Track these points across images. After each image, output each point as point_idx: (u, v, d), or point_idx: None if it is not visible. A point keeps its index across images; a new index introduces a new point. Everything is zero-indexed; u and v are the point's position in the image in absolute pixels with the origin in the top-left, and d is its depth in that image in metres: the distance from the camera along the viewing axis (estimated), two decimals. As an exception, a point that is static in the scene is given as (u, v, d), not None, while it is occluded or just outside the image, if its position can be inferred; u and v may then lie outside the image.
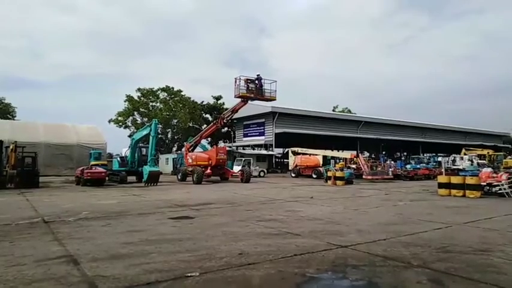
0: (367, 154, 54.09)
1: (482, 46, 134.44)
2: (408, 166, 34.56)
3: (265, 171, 35.67)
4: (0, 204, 12.15)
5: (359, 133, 50.90)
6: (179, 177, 25.91)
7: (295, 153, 34.85)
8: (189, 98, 52.33)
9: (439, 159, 41.37)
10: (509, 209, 11.44)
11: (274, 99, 26.74)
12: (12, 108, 55.05)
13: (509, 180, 15.39)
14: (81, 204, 11.98)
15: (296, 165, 33.68)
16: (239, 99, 25.83)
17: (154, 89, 50.61)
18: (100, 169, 21.88)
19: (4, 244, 6.09)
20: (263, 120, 45.55)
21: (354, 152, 38.10)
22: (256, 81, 25.17)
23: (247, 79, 24.99)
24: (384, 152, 51.26)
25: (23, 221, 8.50)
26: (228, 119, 28.82)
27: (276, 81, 25.80)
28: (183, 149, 30.35)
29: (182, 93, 51.78)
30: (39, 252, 5.50)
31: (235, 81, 24.81)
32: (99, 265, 4.84)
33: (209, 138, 42.16)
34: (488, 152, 39.02)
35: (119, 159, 26.03)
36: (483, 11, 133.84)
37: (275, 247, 5.93)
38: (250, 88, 24.94)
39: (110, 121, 50.31)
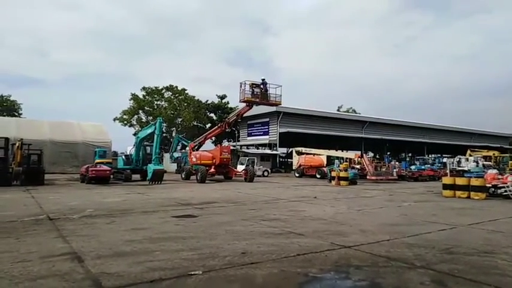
0: (371, 154, 53.91)
1: (489, 45, 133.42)
2: (413, 167, 34.36)
3: (269, 170, 35.65)
4: (6, 201, 12.27)
5: (364, 133, 50.70)
6: (183, 176, 25.99)
7: (299, 153, 34.79)
8: (194, 97, 52.49)
9: (444, 160, 41.11)
10: (515, 211, 11.35)
11: (280, 104, 26.82)
12: (18, 106, 55.53)
13: (514, 182, 15.26)
14: (86, 201, 12.07)
15: (300, 165, 33.62)
16: (243, 103, 25.85)
17: (159, 88, 50.81)
18: (105, 167, 22.00)
19: (10, 240, 6.16)
20: (267, 119, 45.53)
21: (359, 152, 37.95)
22: (262, 86, 25.17)
23: (253, 84, 24.97)
24: (388, 153, 51.07)
25: (29, 217, 8.58)
26: (232, 123, 28.84)
27: (281, 85, 25.84)
28: (187, 148, 30.48)
29: (186, 92, 51.97)
30: (44, 249, 5.56)
31: (241, 86, 24.79)
32: (103, 262, 4.88)
33: (213, 138, 42.26)
34: (493, 154, 38.74)
35: (123, 157, 26.14)
36: (490, 10, 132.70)
37: (278, 247, 5.94)
38: (255, 93, 24.93)
39: (115, 119, 50.64)
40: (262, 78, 25.48)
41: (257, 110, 40.40)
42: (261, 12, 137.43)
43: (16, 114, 52.38)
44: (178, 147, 39.29)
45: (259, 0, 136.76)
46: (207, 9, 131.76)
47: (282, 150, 49.41)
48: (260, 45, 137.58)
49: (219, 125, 29.46)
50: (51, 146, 30.80)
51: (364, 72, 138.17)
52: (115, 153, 33.24)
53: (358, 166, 29.84)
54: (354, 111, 71.51)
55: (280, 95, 25.82)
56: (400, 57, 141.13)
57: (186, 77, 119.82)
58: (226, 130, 30.78)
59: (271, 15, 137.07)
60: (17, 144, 20.03)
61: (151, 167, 21.16)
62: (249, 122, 49.00)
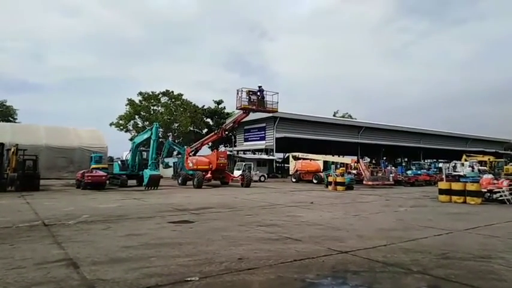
0: (367, 160, 54.02)
1: (484, 52, 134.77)
2: (409, 172, 34.48)
3: (266, 176, 35.62)
4: (0, 207, 12.16)
5: (360, 138, 50.88)
6: (179, 182, 25.92)
7: (295, 158, 34.82)
8: (190, 102, 52.47)
9: (440, 165, 41.29)
10: (510, 215, 11.41)
11: (276, 111, 27.01)
12: (14, 111, 55.23)
13: (510, 187, 15.34)
14: (82, 207, 11.99)
15: (297, 170, 33.64)
16: (240, 109, 25.97)
17: (155, 93, 50.78)
18: (101, 172, 21.88)
19: (4, 247, 6.10)
20: (264, 124, 45.57)
21: (355, 158, 38.09)
22: (258, 93, 25.31)
23: (249, 91, 25.12)
24: (384, 158, 51.16)
25: (23, 224, 8.51)
26: (229, 130, 28.97)
27: (277, 92, 26.00)
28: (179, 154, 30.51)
29: (183, 97, 51.99)
30: (39, 255, 5.51)
31: (237, 93, 24.95)
32: (98, 269, 4.85)
33: (209, 143, 42.26)
34: (489, 159, 39.01)
35: (119, 162, 26.06)
36: (484, 17, 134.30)
37: (275, 252, 5.92)
38: (252, 100, 25.07)
39: (111, 124, 50.43)
40: (259, 85, 25.71)
41: (254, 115, 40.36)
42: (259, 17, 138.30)
43: (11, 119, 52.07)
44: (174, 153, 39.14)
45: (257, 5, 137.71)
46: (204, 14, 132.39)
47: (278, 156, 49.42)
48: (258, 50, 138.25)
49: (215, 131, 29.57)
50: (46, 152, 30.59)
51: (362, 77, 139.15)
52: (111, 159, 33.15)
53: (354, 171, 29.92)
54: (350, 116, 71.79)
55: (277, 102, 26.04)
56: (396, 62, 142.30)
57: (183, 81, 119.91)
58: (223, 137, 30.89)
59: (269, 20, 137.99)
60: (12, 150, 19.90)
61: (147, 173, 21.10)
62: (245, 127, 49.00)
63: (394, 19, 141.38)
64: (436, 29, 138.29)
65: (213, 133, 30.09)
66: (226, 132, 29.02)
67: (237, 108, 26.09)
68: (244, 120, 41.83)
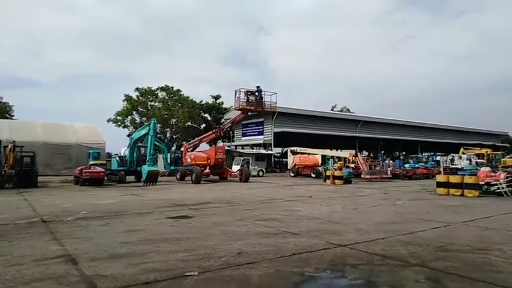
0: (365, 153, 54.10)
1: (481, 45, 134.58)
2: (407, 165, 34.57)
3: (264, 170, 35.65)
4: (-2, 204, 12.13)
5: (358, 132, 50.90)
6: (178, 177, 25.93)
7: (294, 153, 34.84)
8: (188, 97, 52.27)
9: (438, 158, 41.42)
10: (507, 208, 11.47)
11: (275, 111, 26.82)
12: (10, 107, 54.95)
13: (507, 180, 15.42)
14: (80, 203, 11.97)
15: (295, 165, 33.67)
16: (238, 110, 25.95)
17: (153, 89, 50.58)
18: (99, 169, 21.86)
19: (3, 244, 6.09)
20: (262, 119, 45.47)
21: (353, 151, 38.14)
22: (256, 93, 25.27)
23: (247, 91, 25.07)
24: (382, 151, 51.22)
25: (22, 220, 8.49)
26: (227, 129, 29.02)
27: (276, 93, 25.97)
28: (182, 148, 30.51)
29: (181, 92, 51.78)
30: (38, 252, 5.51)
31: (235, 94, 24.92)
32: (97, 264, 4.85)
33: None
34: (486, 151, 39.08)
35: (117, 158, 26.02)
36: (483, 10, 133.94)
37: (274, 246, 5.94)
38: (250, 100, 25.04)
39: (108, 120, 50.29)
40: (257, 85, 25.72)
41: (252, 110, 40.44)
42: (257, 12, 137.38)
43: (8, 116, 51.79)
44: (173, 149, 39.07)
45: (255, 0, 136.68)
46: (202, 9, 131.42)
47: (276, 150, 49.42)
48: (256, 45, 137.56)
49: (213, 130, 29.59)
50: (44, 148, 30.46)
51: (361, 71, 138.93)
52: (109, 155, 33.08)
53: (352, 165, 29.98)
54: (348, 110, 71.73)
55: (276, 102, 26.03)
56: (395, 56, 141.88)
57: (182, 77, 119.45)
58: (221, 136, 30.96)
59: (267, 15, 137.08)
60: (9, 147, 19.83)
61: (145, 168, 21.07)
62: (243, 122, 48.67)
63: (393, 12, 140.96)
64: (435, 22, 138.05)
65: (211, 132, 30.10)
66: (224, 132, 29.02)
67: (235, 109, 26.08)
68: (242, 116, 41.94)
